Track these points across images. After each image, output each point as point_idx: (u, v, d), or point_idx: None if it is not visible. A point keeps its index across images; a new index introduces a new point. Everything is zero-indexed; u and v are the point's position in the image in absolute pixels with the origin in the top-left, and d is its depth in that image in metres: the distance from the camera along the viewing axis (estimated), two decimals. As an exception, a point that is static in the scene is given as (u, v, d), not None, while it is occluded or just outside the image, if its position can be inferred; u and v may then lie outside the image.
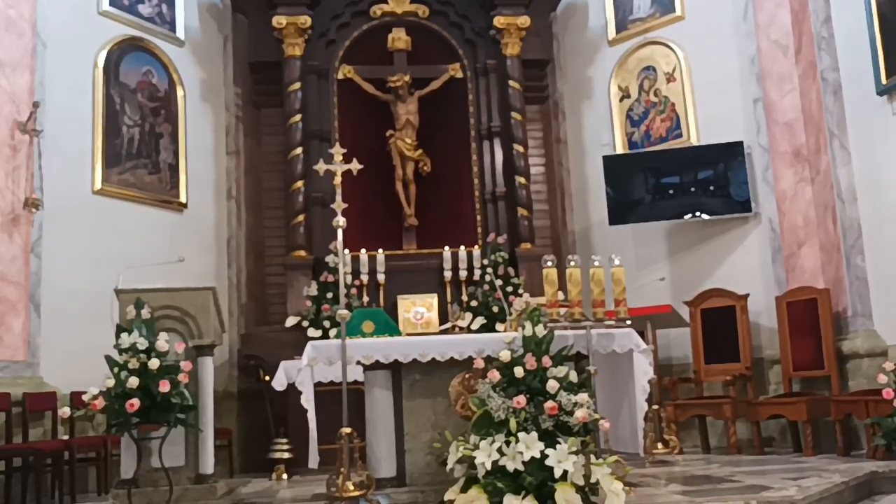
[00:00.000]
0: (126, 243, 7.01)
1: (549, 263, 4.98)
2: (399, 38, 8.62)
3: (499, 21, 8.30)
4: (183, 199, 7.79)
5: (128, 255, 6.76)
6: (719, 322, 7.14)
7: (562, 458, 3.81)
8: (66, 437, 5.97)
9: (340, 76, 8.55)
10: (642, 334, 5.68)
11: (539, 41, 8.64)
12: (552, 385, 4.04)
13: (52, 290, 6.40)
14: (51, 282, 6.41)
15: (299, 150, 8.00)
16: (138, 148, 7.49)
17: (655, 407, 6.22)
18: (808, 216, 6.91)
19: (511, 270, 7.87)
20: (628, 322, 5.11)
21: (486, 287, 7.66)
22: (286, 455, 6.76)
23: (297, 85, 8.10)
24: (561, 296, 5.04)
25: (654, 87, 8.18)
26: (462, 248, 8.05)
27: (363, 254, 7.85)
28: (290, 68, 8.11)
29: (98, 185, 7.06)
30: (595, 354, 4.89)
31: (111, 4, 7.42)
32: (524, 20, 8.31)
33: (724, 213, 7.54)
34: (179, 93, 7.94)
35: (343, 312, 4.85)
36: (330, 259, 7.65)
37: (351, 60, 8.59)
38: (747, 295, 7.06)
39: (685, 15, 8.02)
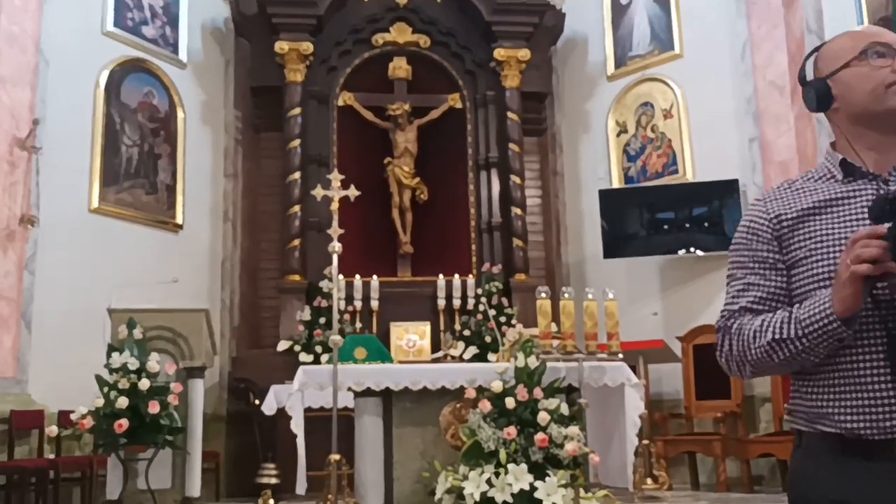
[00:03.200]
0: (121, 262, 7.00)
1: (543, 295, 4.99)
2: (400, 67, 8.69)
3: (499, 53, 8.39)
4: (179, 219, 7.80)
5: (122, 275, 6.75)
6: (711, 358, 7.03)
7: (551, 490, 3.80)
8: (52, 456, 5.92)
9: (340, 103, 8.60)
10: (634, 369, 5.68)
11: (538, 74, 8.73)
12: (543, 417, 4.03)
13: (45, 307, 6.37)
14: (44, 299, 6.38)
15: (297, 175, 8.02)
16: (136, 168, 7.51)
17: (645, 442, 6.19)
18: (801, 255, 6.92)
19: (505, 301, 7.87)
20: (620, 356, 5.11)
21: (480, 317, 7.65)
22: (273, 480, 6.67)
23: (298, 110, 8.14)
24: (554, 328, 5.05)
25: (651, 123, 8.25)
26: (456, 276, 8.05)
27: (357, 279, 7.85)
28: (291, 93, 8.16)
29: (95, 204, 7.07)
30: (586, 387, 4.88)
31: (115, 25, 7.48)
32: (524, 53, 8.40)
33: (717, 250, 7.56)
34: (180, 114, 7.98)
35: (336, 338, 4.85)
36: (324, 284, 7.64)
37: (351, 87, 8.65)
38: (739, 332, 7.05)
39: (684, 53, 8.11)
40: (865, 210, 1.40)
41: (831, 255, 1.40)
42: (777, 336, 1.39)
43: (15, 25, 6.54)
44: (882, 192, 1.40)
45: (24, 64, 6.56)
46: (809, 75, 1.58)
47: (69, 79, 6.95)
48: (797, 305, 1.41)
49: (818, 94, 1.52)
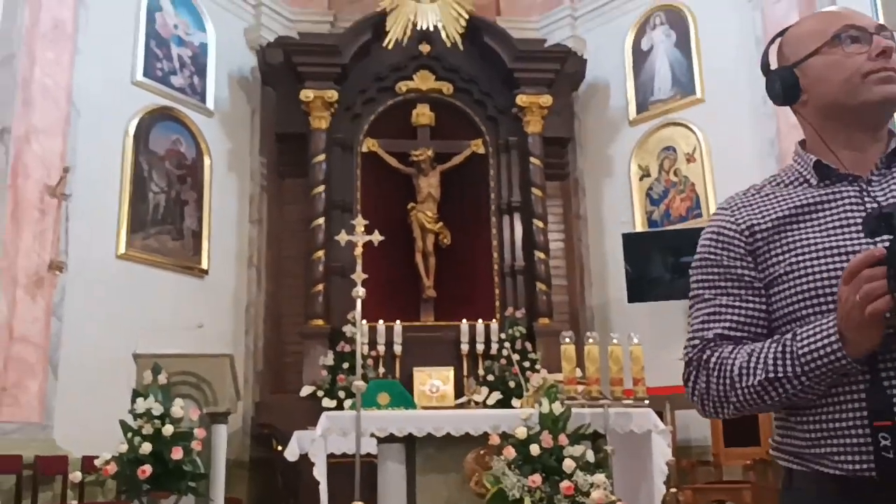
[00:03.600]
0: (147, 308, 7.05)
1: (567, 340, 4.96)
2: (423, 114, 8.79)
3: (521, 100, 8.46)
4: (205, 265, 7.86)
5: (148, 320, 6.80)
6: (739, 404, 7.01)
7: (577, 540, 3.73)
8: (75, 503, 5.91)
9: (364, 149, 8.70)
10: (661, 414, 5.60)
11: (560, 119, 8.78)
12: (568, 464, 3.98)
13: (71, 353, 6.42)
14: (70, 344, 6.44)
15: (321, 220, 8.09)
16: (163, 214, 7.61)
17: (673, 490, 6.07)
18: (829, 299, 6.84)
19: (528, 345, 7.82)
20: (646, 402, 5.05)
21: (503, 361, 7.60)
22: (296, 528, 6.64)
23: (322, 156, 8.24)
24: (578, 373, 5.00)
25: (673, 166, 8.26)
26: (480, 321, 8.02)
27: (380, 324, 7.84)
28: (316, 140, 8.27)
29: (122, 250, 7.15)
30: (612, 434, 4.81)
31: (145, 75, 7.65)
32: (546, 99, 8.47)
33: (744, 294, 7.49)
34: (206, 161, 8.10)
35: (359, 383, 4.84)
36: (347, 329, 7.64)
37: (375, 134, 8.75)
38: (768, 377, 6.95)
39: (705, 97, 8.14)
40: (847, 216, 1.24)
41: (816, 270, 1.22)
42: (771, 374, 1.18)
43: (48, 78, 6.71)
44: (871, 204, 1.23)
45: (56, 114, 6.72)
46: (774, 63, 1.36)
47: (99, 128, 7.09)
48: (789, 335, 1.20)
49: (784, 86, 1.31)
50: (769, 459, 6.70)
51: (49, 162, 6.56)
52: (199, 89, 8.20)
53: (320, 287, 7.97)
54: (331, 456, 5.04)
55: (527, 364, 7.51)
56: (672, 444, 5.51)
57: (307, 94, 8.26)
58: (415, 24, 8.37)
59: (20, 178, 6.31)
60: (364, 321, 7.36)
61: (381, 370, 7.72)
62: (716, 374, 1.25)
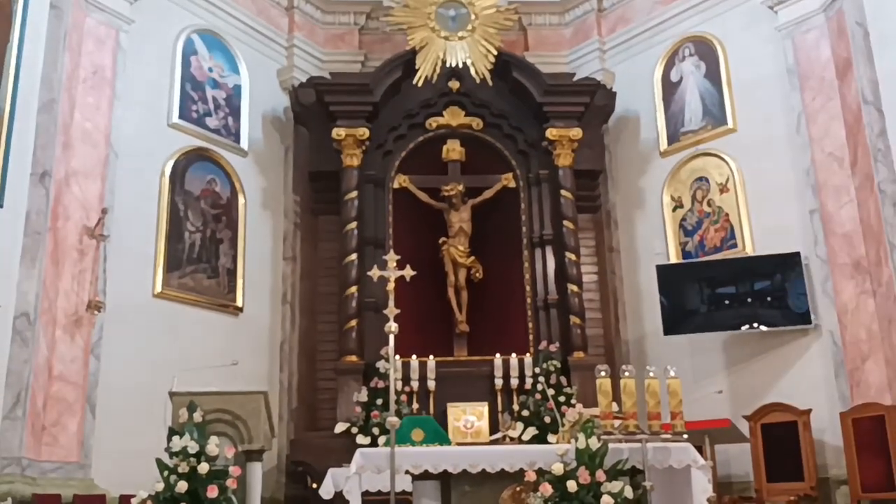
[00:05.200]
0: (182, 346, 7.11)
1: (603, 373, 4.90)
2: (453, 150, 8.84)
3: (551, 133, 8.48)
4: (239, 303, 7.93)
5: (184, 358, 6.85)
6: (781, 438, 6.87)
7: (617, 579, 3.66)
8: (112, 542, 5.94)
9: (396, 185, 8.76)
10: (700, 449, 5.49)
11: (591, 152, 8.78)
12: (607, 501, 3.92)
13: (109, 392, 6.49)
14: (108, 383, 6.51)
15: (354, 257, 8.13)
16: (199, 253, 7.71)
17: (715, 527, 5.93)
18: (871, 330, 6.71)
19: (563, 380, 7.74)
20: (685, 436, 4.96)
21: (538, 396, 7.53)
22: (331, 567, 6.58)
23: (354, 193, 8.31)
24: (615, 407, 4.93)
25: (707, 197, 8.19)
26: (513, 355, 7.96)
27: (414, 359, 7.83)
28: (348, 177, 8.35)
29: (158, 289, 7.25)
30: (651, 469, 4.73)
31: (180, 117, 7.81)
32: (576, 132, 8.47)
33: (782, 325, 7.37)
34: (241, 200, 8.21)
35: (393, 420, 4.81)
36: (381, 364, 7.63)
37: (406, 170, 8.82)
38: (810, 410, 6.80)
39: (737, 127, 8.09)
40: None
41: None
42: None
43: (88, 122, 6.88)
44: None
45: (95, 157, 6.88)
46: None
47: (137, 169, 7.24)
48: None
49: None
50: (814, 495, 6.54)
51: (88, 204, 6.70)
52: (233, 130, 8.34)
53: (354, 323, 7.99)
54: (365, 493, 5.02)
55: (562, 398, 7.42)
56: (713, 479, 5.39)
57: (339, 133, 8.36)
58: (444, 62, 8.46)
59: (60, 220, 6.45)
60: (397, 357, 7.35)
61: (415, 406, 7.69)
62: None
